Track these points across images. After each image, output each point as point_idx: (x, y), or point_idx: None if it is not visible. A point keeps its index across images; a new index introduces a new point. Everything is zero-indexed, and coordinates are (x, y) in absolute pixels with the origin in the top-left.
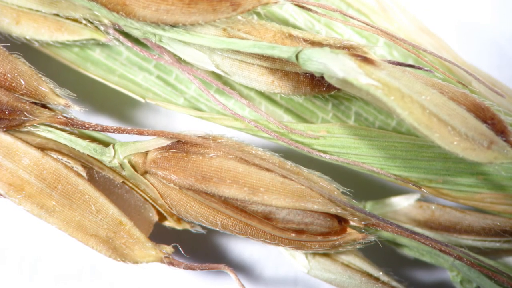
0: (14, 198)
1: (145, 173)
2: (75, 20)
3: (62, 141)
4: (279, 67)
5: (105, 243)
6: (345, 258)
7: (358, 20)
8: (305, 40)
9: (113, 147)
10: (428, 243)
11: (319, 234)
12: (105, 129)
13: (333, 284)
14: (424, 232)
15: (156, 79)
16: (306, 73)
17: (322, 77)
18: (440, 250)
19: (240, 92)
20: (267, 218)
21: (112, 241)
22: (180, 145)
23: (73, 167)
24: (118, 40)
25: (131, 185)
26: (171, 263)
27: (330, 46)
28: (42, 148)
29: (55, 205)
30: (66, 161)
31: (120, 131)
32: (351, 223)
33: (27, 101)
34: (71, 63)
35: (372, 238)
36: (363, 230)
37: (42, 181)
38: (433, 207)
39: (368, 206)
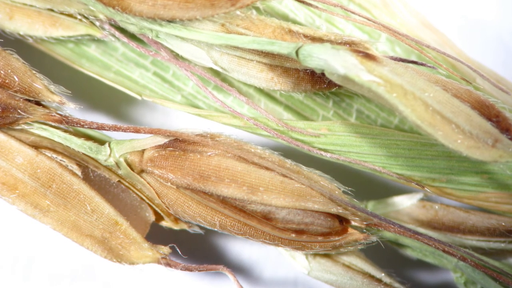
0: (7, 198)
1: (141, 172)
2: (70, 15)
3: (56, 139)
4: (279, 63)
5: (101, 244)
6: (346, 259)
7: (359, 15)
8: (305, 36)
9: (109, 146)
10: (431, 243)
11: (319, 235)
12: (101, 127)
13: (334, 286)
14: (427, 232)
15: (153, 75)
16: (307, 70)
17: (323, 74)
18: (444, 251)
19: (239, 89)
20: (266, 218)
21: (107, 241)
22: (178, 143)
23: (67, 165)
24: (114, 35)
25: (127, 184)
26: (168, 264)
27: (331, 42)
28: (36, 147)
29: (50, 205)
30: (60, 160)
31: (116, 129)
32: (353, 223)
33: (21, 98)
34: (66, 59)
35: (374, 238)
36: (364, 230)
37: (36, 180)
38: (437, 207)
39: (370, 205)
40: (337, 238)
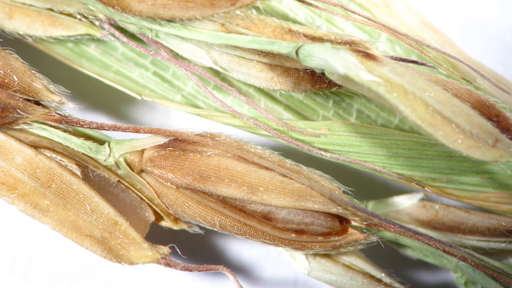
0: (7, 198)
1: (141, 171)
2: (70, 15)
3: (56, 139)
4: (279, 63)
5: (100, 244)
6: (347, 259)
7: (359, 15)
8: (305, 36)
9: (109, 145)
10: (431, 243)
11: (319, 235)
12: (100, 127)
13: (334, 286)
14: (427, 232)
15: (152, 75)
16: (307, 69)
17: (323, 74)
18: (444, 251)
19: (238, 88)
20: (266, 218)
21: (107, 241)
22: (177, 143)
23: (67, 165)
24: (113, 35)
25: (127, 184)
26: (168, 264)
27: (331, 41)
28: (35, 146)
29: (49, 205)
30: (60, 160)
31: (115, 128)
32: (353, 223)
33: (20, 98)
34: (66, 59)
35: (374, 238)
36: (364, 230)
37: (36, 180)
38: (437, 207)
39: (370, 205)
40: (337, 238)
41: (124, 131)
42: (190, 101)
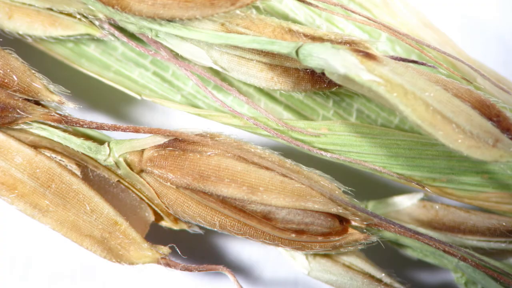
0: (6, 198)
1: (141, 171)
2: (69, 15)
3: (56, 139)
4: (279, 62)
5: (100, 244)
6: (347, 259)
7: (360, 15)
8: (305, 35)
9: (108, 145)
10: (431, 243)
11: (319, 235)
12: (100, 127)
13: (334, 286)
14: (427, 232)
15: (152, 75)
16: (307, 69)
17: (323, 73)
18: (444, 251)
19: (238, 88)
20: (266, 218)
21: (107, 241)
22: (177, 143)
23: (67, 165)
24: (113, 35)
25: (126, 184)
26: (168, 264)
27: (331, 41)
28: (35, 146)
29: (49, 205)
30: (60, 160)
31: (115, 128)
32: (353, 223)
33: (20, 97)
34: (65, 58)
35: (374, 238)
36: (365, 230)
37: (35, 180)
38: (437, 207)
39: (370, 205)
40: (337, 238)
41: (124, 131)
42: (190, 101)
